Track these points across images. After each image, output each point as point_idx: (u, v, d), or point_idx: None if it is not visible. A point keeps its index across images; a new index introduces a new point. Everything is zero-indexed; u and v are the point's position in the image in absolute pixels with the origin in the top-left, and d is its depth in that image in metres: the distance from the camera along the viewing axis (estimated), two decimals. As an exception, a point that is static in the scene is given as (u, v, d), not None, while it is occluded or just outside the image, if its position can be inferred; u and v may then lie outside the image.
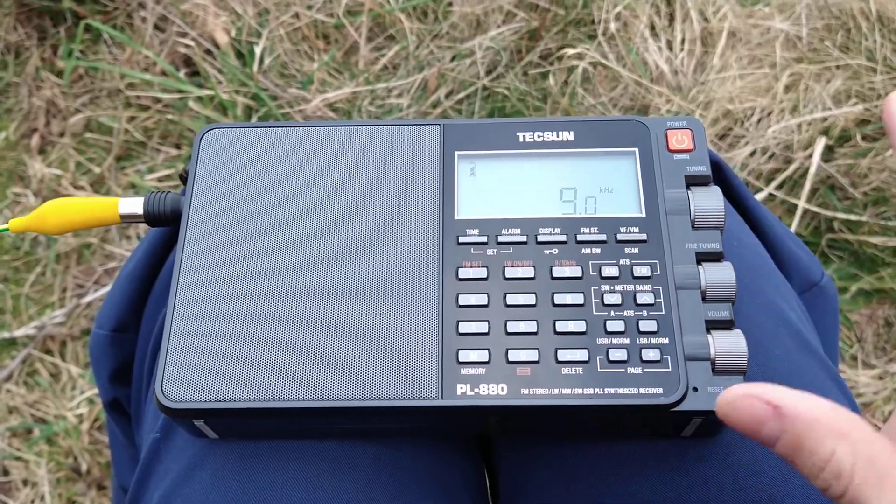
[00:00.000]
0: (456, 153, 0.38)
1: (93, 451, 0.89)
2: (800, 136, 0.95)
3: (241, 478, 0.35)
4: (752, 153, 0.95)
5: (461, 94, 1.04)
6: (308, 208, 0.37)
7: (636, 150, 0.38)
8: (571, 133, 0.38)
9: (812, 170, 0.93)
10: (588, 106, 1.01)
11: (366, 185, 0.37)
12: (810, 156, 0.94)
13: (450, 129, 0.39)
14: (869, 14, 1.03)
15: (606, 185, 0.37)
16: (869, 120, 0.97)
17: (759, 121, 0.97)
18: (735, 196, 0.46)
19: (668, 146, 0.38)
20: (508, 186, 0.38)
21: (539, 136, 0.38)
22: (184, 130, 1.05)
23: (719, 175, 0.46)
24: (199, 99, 1.04)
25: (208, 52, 1.07)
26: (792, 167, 0.94)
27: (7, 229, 0.38)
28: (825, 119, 0.95)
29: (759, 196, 0.95)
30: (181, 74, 1.06)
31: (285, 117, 1.02)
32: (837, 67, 1.00)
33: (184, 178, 0.39)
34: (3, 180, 1.06)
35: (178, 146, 1.05)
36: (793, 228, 0.94)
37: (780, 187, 0.95)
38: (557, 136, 0.38)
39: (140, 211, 0.38)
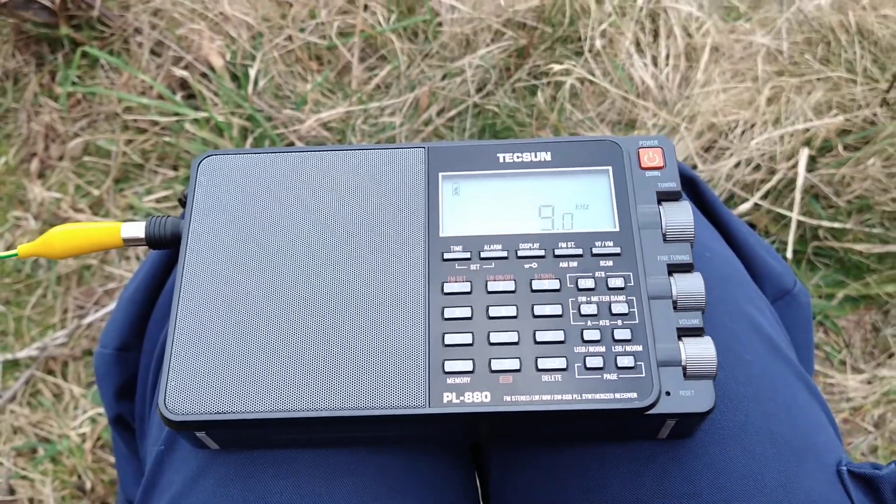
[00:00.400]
0: (440, 174, 0.40)
1: (96, 469, 0.91)
2: (783, 147, 0.97)
3: (242, 486, 0.37)
4: (737, 164, 0.98)
5: (452, 112, 1.06)
6: (302, 229, 0.39)
7: (610, 168, 0.40)
8: (549, 153, 0.40)
9: (800, 181, 0.95)
10: (576, 121, 1.04)
11: (356, 206, 0.39)
12: (793, 166, 0.96)
13: (434, 151, 0.41)
14: (848, 27, 1.05)
15: (582, 202, 0.39)
16: (850, 130, 0.99)
17: (743, 133, 0.99)
18: (709, 209, 0.48)
19: (640, 164, 0.40)
20: (490, 205, 0.40)
21: (518, 157, 0.40)
22: (180, 152, 1.07)
23: (694, 190, 0.48)
24: (196, 121, 1.07)
25: (204, 75, 1.09)
26: (776, 177, 0.97)
27: (16, 254, 0.40)
28: (807, 130, 0.98)
29: (745, 206, 0.97)
30: (177, 98, 1.09)
31: (280, 138, 1.05)
32: (818, 79, 1.02)
33: (183, 202, 0.41)
34: (4, 204, 1.08)
35: (175, 168, 1.08)
36: (790, 239, 0.96)
37: (764, 197, 0.97)
38: (535, 157, 0.40)
39: (142, 235, 0.40)
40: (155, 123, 1.08)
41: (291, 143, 1.05)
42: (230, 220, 0.39)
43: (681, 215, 0.38)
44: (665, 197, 0.39)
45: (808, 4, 1.07)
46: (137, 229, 0.40)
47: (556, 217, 0.39)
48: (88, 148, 1.10)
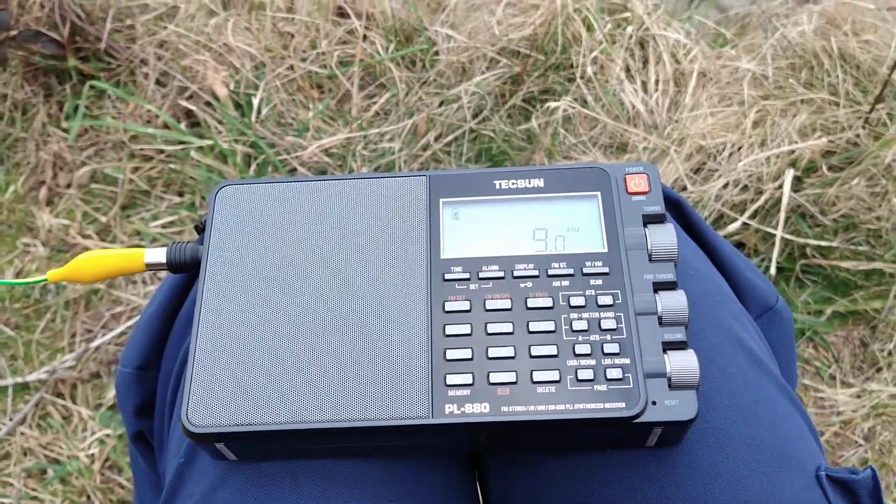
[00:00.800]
0: (441, 200, 0.43)
1: (105, 490, 0.93)
2: (769, 169, 1.00)
3: (260, 495, 0.40)
4: (725, 185, 1.01)
5: (449, 137, 1.09)
6: (314, 252, 0.42)
7: (598, 193, 0.43)
8: (541, 180, 0.43)
9: (785, 200, 0.98)
10: (570, 145, 1.07)
11: (363, 230, 0.42)
12: (780, 186, 0.99)
13: (435, 179, 0.44)
14: (831, 52, 1.09)
15: (573, 225, 0.42)
16: (834, 151, 1.03)
17: (731, 155, 1.02)
18: (695, 230, 0.51)
19: (626, 189, 0.43)
20: (487, 228, 0.42)
21: (513, 184, 0.43)
22: (186, 179, 1.10)
23: (680, 211, 0.51)
24: (200, 149, 1.10)
25: (208, 104, 1.12)
26: (763, 198, 1.00)
27: (45, 279, 0.43)
28: (792, 152, 1.01)
29: (734, 226, 1.00)
30: (182, 126, 1.12)
31: (283, 164, 1.08)
32: (802, 102, 1.05)
33: (199, 228, 0.44)
34: (13, 231, 1.11)
35: (180, 194, 1.10)
36: (774, 255, 0.99)
37: (752, 217, 1.01)
38: (529, 183, 0.43)
39: (163, 260, 0.43)
40: (161, 151, 1.11)
41: (294, 169, 1.08)
42: (246, 244, 0.42)
43: (665, 237, 0.41)
44: (650, 219, 0.42)
45: (791, 31, 1.11)
46: (159, 255, 0.43)
47: (549, 239, 0.42)
48: (96, 176, 1.13)
